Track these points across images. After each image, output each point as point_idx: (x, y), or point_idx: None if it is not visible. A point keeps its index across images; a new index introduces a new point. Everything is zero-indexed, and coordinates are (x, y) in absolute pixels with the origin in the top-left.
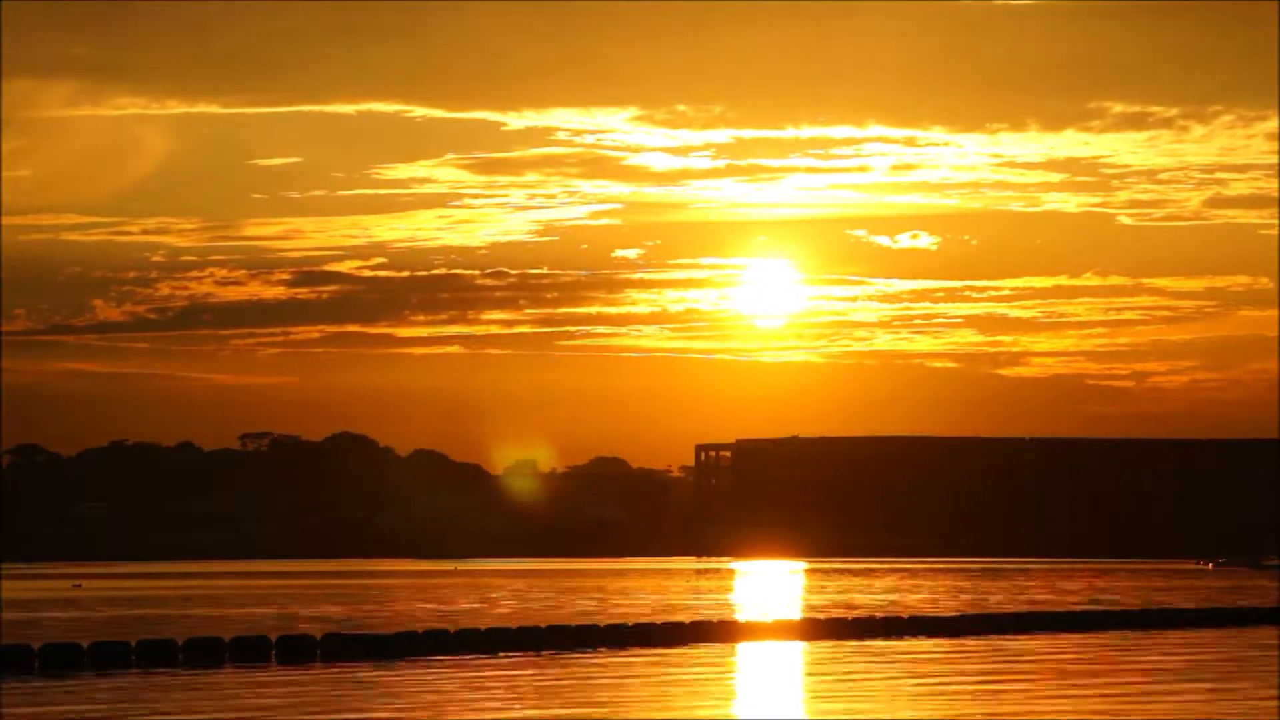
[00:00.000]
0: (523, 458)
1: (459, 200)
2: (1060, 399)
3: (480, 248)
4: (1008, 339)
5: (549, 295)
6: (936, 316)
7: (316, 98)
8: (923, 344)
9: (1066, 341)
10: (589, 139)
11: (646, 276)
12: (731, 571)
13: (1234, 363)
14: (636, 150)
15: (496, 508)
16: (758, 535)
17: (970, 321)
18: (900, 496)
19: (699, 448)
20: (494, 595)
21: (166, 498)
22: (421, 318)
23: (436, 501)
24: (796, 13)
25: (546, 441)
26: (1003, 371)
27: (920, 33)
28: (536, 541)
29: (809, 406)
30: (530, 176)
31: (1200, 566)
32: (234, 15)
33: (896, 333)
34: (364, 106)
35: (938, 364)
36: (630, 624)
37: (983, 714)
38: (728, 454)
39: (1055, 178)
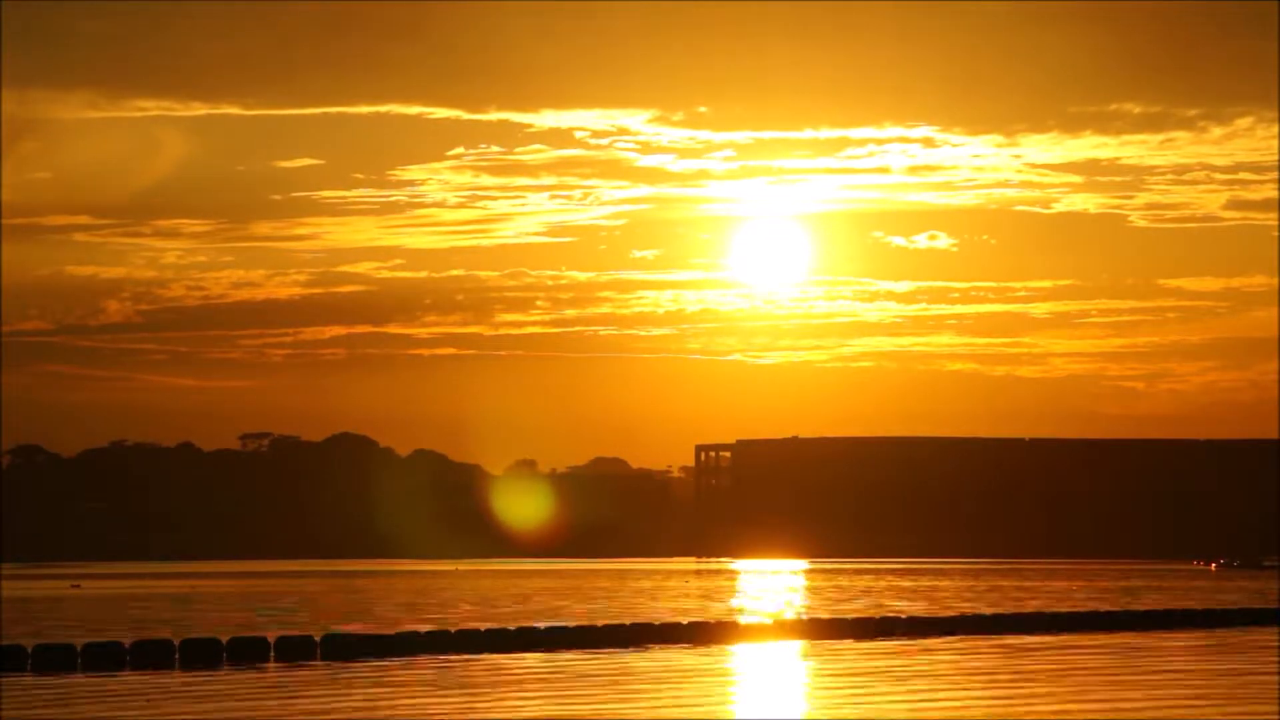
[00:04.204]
0: (523, 458)
1: (478, 202)
2: (1077, 400)
3: (498, 249)
4: (1026, 339)
5: (564, 296)
6: (953, 317)
7: (336, 99)
8: (940, 344)
9: (1084, 343)
10: (607, 140)
11: (663, 277)
12: (733, 572)
13: (1250, 363)
14: (655, 151)
15: (496, 508)
16: (758, 535)
17: (988, 321)
18: (900, 496)
19: (699, 448)
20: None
21: (166, 498)
22: (433, 319)
23: (436, 501)
24: (815, 15)
25: (547, 441)
26: (1020, 372)
27: (940, 35)
28: (536, 542)
29: (809, 407)
30: (549, 178)
31: (1201, 567)
32: (254, 18)
33: (914, 333)
34: (383, 108)
35: (956, 365)
36: (628, 624)
37: (985, 715)
38: (728, 454)
39: (1075, 179)
